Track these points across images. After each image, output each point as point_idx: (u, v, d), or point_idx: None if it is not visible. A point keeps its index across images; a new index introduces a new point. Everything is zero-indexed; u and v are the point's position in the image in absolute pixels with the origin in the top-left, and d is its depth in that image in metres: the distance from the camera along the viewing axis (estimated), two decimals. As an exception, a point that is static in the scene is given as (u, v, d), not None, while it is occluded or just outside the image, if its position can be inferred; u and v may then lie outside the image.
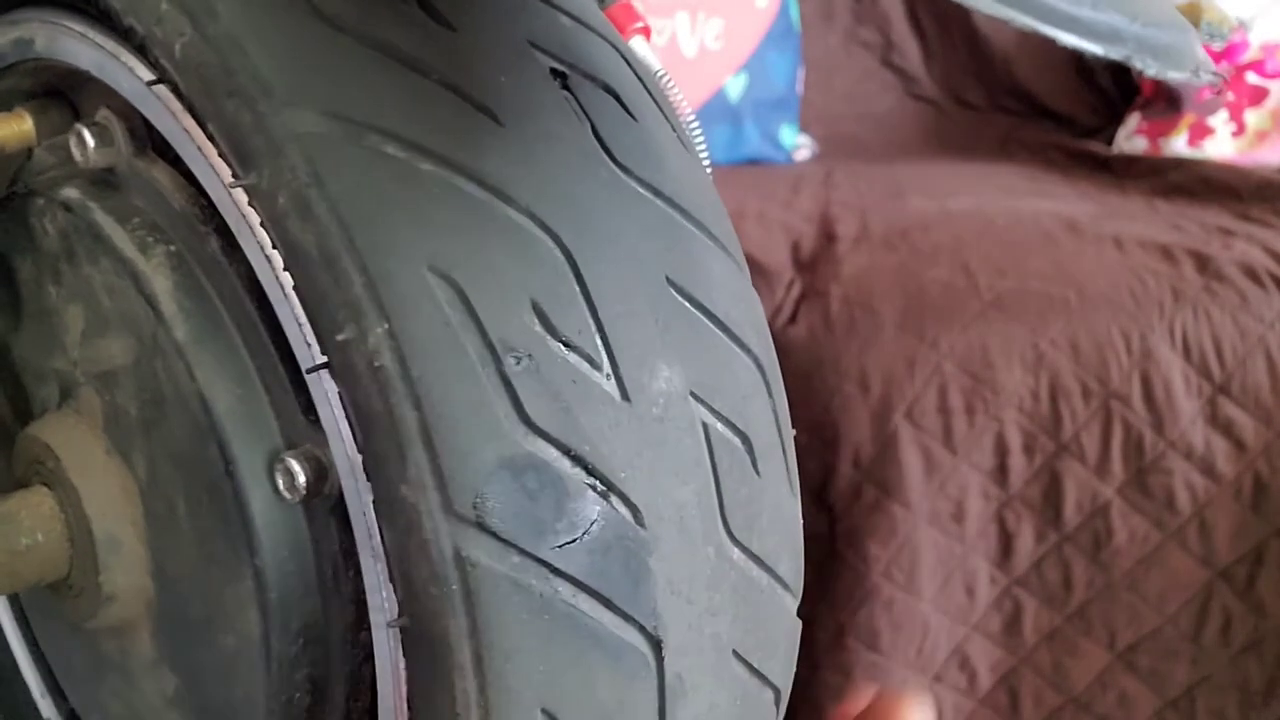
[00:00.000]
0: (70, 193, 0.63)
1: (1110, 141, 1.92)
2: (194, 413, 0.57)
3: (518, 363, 0.49)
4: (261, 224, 0.52)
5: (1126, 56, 0.41)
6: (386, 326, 0.48)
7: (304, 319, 0.51)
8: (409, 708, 0.53)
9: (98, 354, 0.63)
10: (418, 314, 0.48)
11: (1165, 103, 1.85)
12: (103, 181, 0.63)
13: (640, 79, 0.61)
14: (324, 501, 0.56)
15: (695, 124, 0.66)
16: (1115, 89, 2.03)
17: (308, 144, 0.50)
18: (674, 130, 0.61)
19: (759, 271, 1.41)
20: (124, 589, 0.64)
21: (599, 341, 0.52)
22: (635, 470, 0.51)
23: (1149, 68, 0.42)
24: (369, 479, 0.50)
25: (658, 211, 0.57)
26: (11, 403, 0.72)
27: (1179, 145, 1.82)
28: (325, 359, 0.51)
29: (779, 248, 1.50)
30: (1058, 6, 0.40)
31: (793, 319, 1.38)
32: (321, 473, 0.54)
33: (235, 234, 0.54)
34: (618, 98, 0.58)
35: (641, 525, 0.51)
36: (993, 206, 1.58)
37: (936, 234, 1.49)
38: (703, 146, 0.65)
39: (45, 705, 0.83)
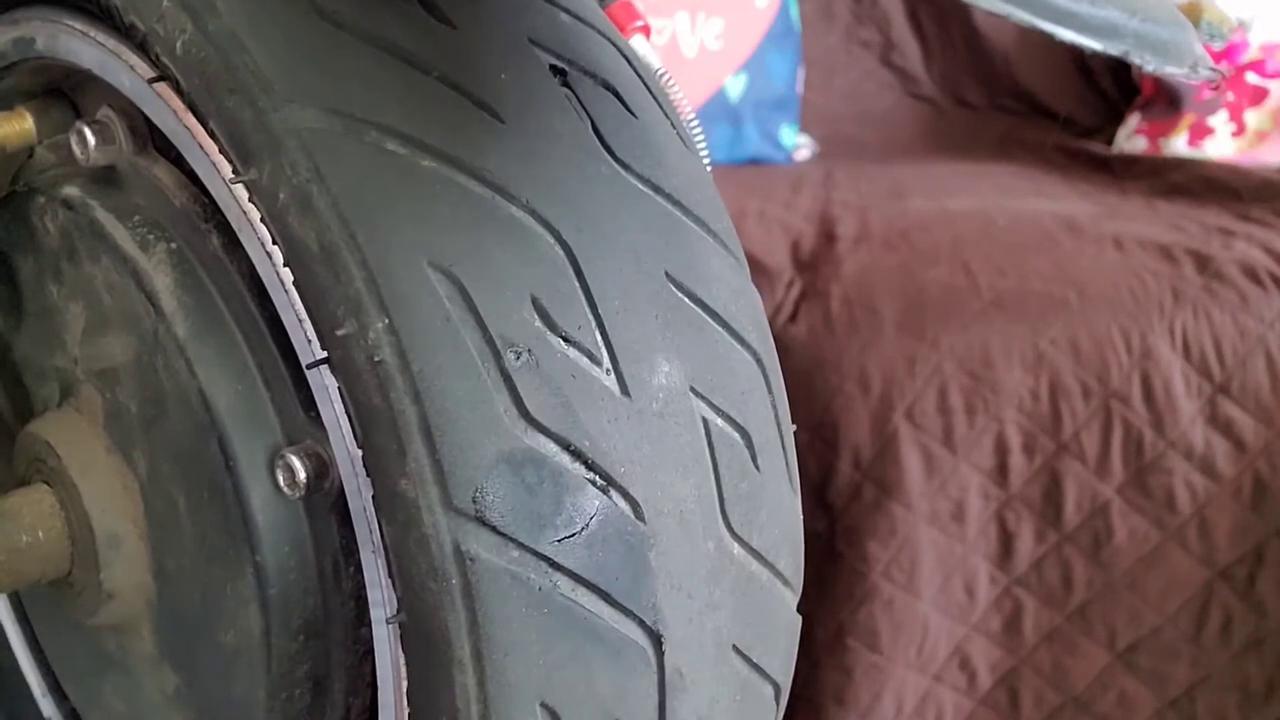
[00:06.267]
0: (71, 191, 0.63)
1: (1110, 141, 1.92)
2: (194, 409, 0.57)
3: (517, 358, 0.50)
4: (262, 220, 0.52)
5: (1125, 52, 0.41)
6: (386, 321, 0.48)
7: (304, 314, 0.51)
8: (409, 703, 0.53)
9: (98, 351, 0.63)
10: (418, 309, 0.49)
11: (1165, 103, 1.85)
12: (103, 179, 0.63)
13: (640, 76, 0.61)
14: (324, 497, 0.56)
15: (695, 123, 0.66)
16: (1115, 89, 2.03)
17: (308, 140, 0.50)
18: (674, 127, 0.61)
19: (759, 271, 1.41)
20: (125, 586, 0.64)
21: (599, 337, 0.52)
22: (635, 465, 0.52)
23: (1147, 63, 0.42)
24: (369, 474, 0.50)
25: (657, 208, 0.57)
26: (12, 401, 0.72)
27: (1179, 145, 1.82)
28: (325, 354, 0.51)
29: (779, 247, 1.50)
30: (1056, 2, 0.40)
31: (793, 318, 1.38)
32: (322, 469, 0.54)
33: (236, 230, 0.54)
34: (618, 95, 0.58)
35: (641, 520, 0.51)
36: (993, 206, 1.58)
37: (936, 234, 1.49)
38: (703, 145, 0.65)
39: (46, 704, 0.83)
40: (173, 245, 0.59)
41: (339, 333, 0.49)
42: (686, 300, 0.56)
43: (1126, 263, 1.40)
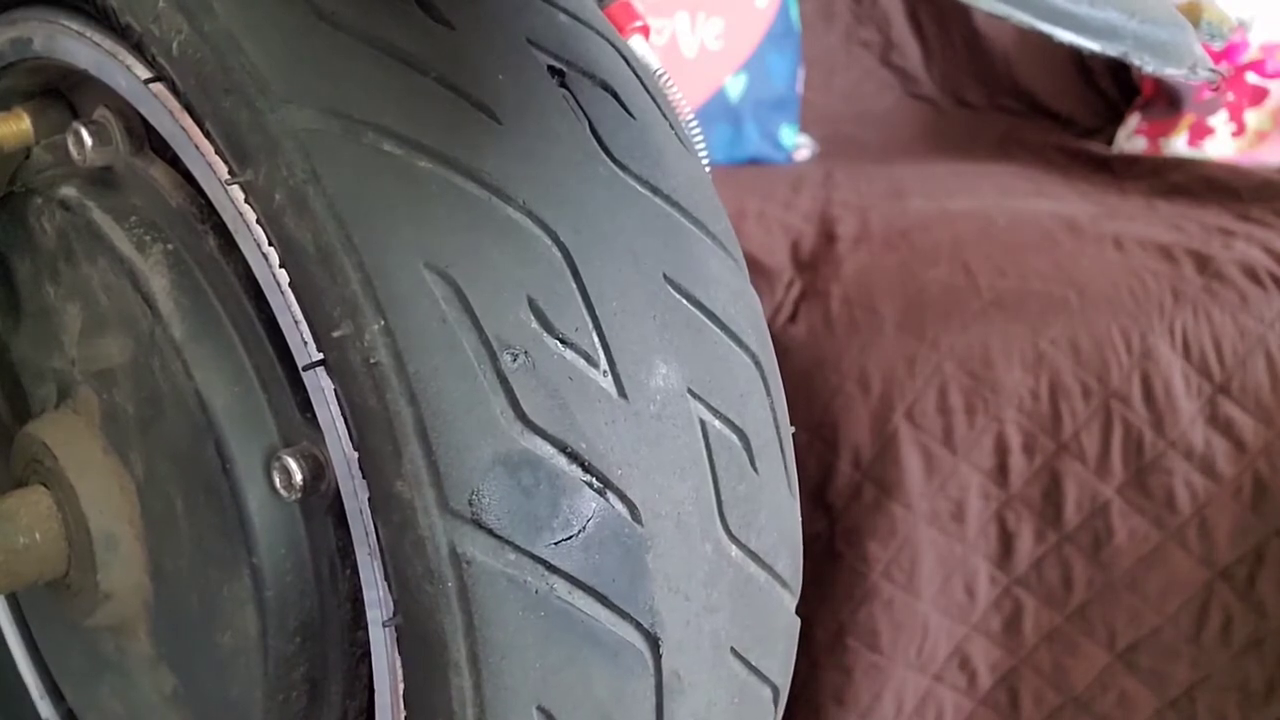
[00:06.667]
0: (68, 191, 0.63)
1: (1110, 141, 1.92)
2: (191, 411, 0.57)
3: (514, 360, 0.49)
4: (258, 221, 0.52)
5: (1124, 53, 0.41)
6: (383, 323, 0.48)
7: (300, 316, 0.51)
8: (405, 706, 0.53)
9: (95, 352, 0.63)
10: (414, 310, 0.48)
11: (1165, 103, 1.85)
12: (100, 180, 0.63)
13: (639, 77, 0.61)
14: (321, 499, 0.56)
15: (694, 123, 0.66)
16: (1115, 89, 2.03)
17: (305, 141, 0.50)
18: (672, 128, 0.61)
19: (759, 271, 1.41)
20: (121, 587, 0.64)
21: (596, 339, 0.52)
22: (632, 467, 0.51)
23: (1146, 64, 0.42)
24: (365, 476, 0.50)
25: (656, 209, 0.57)
26: (10, 402, 0.72)
27: (1179, 145, 1.81)
28: (322, 356, 0.51)
29: (779, 248, 1.50)
30: (1055, 3, 0.40)
31: (793, 319, 1.38)
32: (318, 470, 0.54)
33: (232, 232, 0.54)
34: (616, 95, 0.58)
35: (639, 522, 0.51)
36: (993, 206, 1.58)
37: (936, 234, 1.49)
38: (702, 145, 0.65)
39: (44, 706, 0.83)
40: (169, 246, 0.59)
41: (335, 334, 0.49)
42: (685, 302, 0.55)
43: (1126, 263, 1.40)
